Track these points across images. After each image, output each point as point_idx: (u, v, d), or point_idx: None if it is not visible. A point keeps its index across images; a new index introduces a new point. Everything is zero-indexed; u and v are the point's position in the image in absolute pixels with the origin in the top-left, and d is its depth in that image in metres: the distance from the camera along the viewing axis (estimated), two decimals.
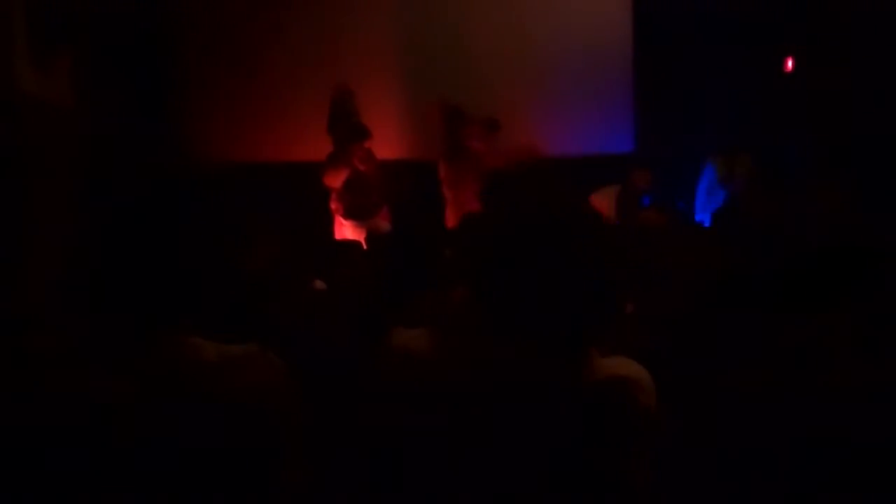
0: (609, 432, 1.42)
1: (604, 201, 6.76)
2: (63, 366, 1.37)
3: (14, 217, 4.62)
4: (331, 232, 7.04)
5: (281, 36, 7.75)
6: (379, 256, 2.87)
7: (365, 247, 5.25)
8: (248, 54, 7.70)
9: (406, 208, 6.89)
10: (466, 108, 7.10)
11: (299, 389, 1.48)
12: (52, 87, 5.27)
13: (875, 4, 6.29)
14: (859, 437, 1.66)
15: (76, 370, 1.36)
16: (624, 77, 7.88)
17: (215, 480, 1.36)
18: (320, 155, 6.97)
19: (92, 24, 5.71)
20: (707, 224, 5.84)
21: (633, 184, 7.05)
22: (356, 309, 2.80)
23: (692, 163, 7.25)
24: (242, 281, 2.65)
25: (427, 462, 1.46)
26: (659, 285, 2.84)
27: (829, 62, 6.68)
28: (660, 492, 1.46)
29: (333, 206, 7.00)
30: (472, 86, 7.40)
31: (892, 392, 1.71)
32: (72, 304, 1.45)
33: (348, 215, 6.95)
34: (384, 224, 6.75)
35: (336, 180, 6.88)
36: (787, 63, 7.52)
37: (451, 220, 6.98)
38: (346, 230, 6.96)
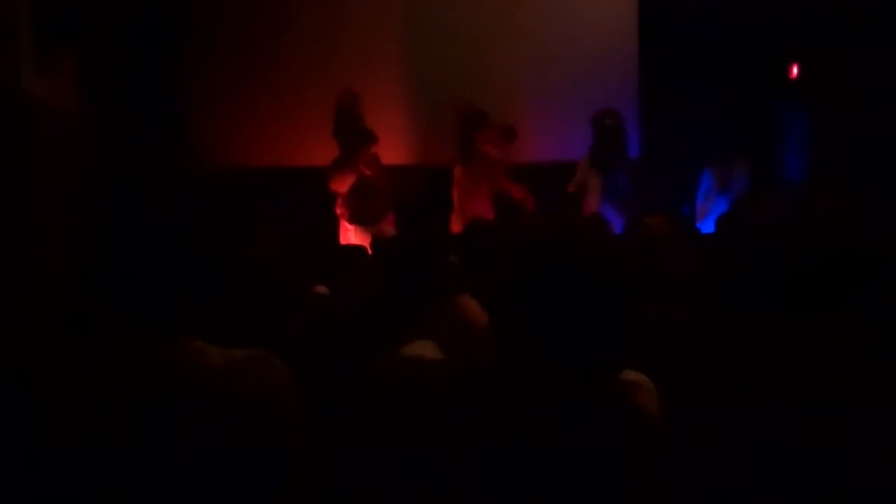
0: (617, 440, 1.44)
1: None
2: (65, 367, 1.36)
3: (17, 220, 4.61)
4: (336, 237, 7.04)
5: (286, 40, 7.76)
6: (384, 262, 2.86)
7: (370, 252, 5.25)
8: (254, 58, 7.71)
9: (411, 214, 6.89)
10: None
11: (304, 395, 1.47)
12: (58, 90, 5.27)
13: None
14: (860, 439, 1.66)
15: (78, 372, 1.35)
16: (629, 83, 7.88)
17: (219, 486, 1.35)
18: (325, 159, 6.98)
19: (97, 28, 5.73)
20: (709, 230, 5.84)
21: None
22: (360, 314, 2.79)
23: (697, 169, 7.25)
24: (246, 285, 2.64)
25: (436, 469, 1.47)
26: (663, 291, 2.83)
27: (832, 68, 6.69)
28: (661, 494, 1.48)
29: (339, 210, 7.00)
30: (477, 91, 7.40)
31: (894, 395, 1.71)
32: (74, 308, 1.44)
33: (353, 220, 6.95)
34: (389, 229, 6.75)
35: (342, 185, 6.88)
36: (791, 70, 7.52)
37: (456, 225, 6.97)
38: (351, 235, 6.96)
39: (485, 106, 7.15)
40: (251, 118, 7.62)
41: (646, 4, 7.81)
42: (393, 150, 7.29)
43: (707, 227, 6.43)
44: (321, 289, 3.69)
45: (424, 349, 1.57)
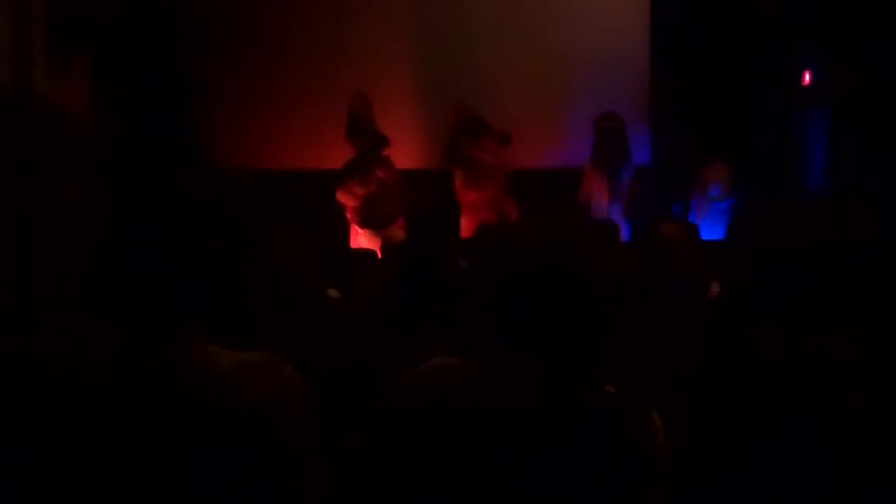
0: (612, 456, 1.46)
1: None
2: (69, 369, 1.36)
3: (28, 222, 4.63)
4: (346, 240, 7.05)
5: (298, 44, 7.77)
6: (393, 265, 2.86)
7: (380, 256, 5.25)
8: (265, 62, 7.72)
9: (421, 218, 6.89)
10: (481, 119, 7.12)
11: (314, 398, 1.46)
12: (69, 92, 5.29)
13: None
14: (861, 442, 1.66)
15: (82, 374, 1.35)
16: (640, 89, 7.87)
17: (228, 490, 1.35)
18: (336, 163, 6.98)
19: (109, 30, 5.74)
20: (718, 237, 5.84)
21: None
22: (370, 318, 2.79)
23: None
24: (257, 288, 2.64)
25: (438, 483, 1.48)
26: (674, 296, 2.82)
27: (846, 75, 6.67)
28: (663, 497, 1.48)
29: (349, 214, 7.01)
30: (488, 96, 7.41)
31: None
32: (82, 309, 1.44)
33: (364, 224, 6.96)
34: (399, 233, 6.76)
35: (351, 199, 6.91)
36: (804, 76, 7.50)
37: (466, 229, 6.98)
38: (361, 239, 6.97)
39: (495, 111, 7.16)
40: (263, 121, 7.62)
41: (657, 9, 7.80)
42: (403, 154, 7.29)
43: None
44: (332, 292, 3.69)
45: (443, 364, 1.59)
